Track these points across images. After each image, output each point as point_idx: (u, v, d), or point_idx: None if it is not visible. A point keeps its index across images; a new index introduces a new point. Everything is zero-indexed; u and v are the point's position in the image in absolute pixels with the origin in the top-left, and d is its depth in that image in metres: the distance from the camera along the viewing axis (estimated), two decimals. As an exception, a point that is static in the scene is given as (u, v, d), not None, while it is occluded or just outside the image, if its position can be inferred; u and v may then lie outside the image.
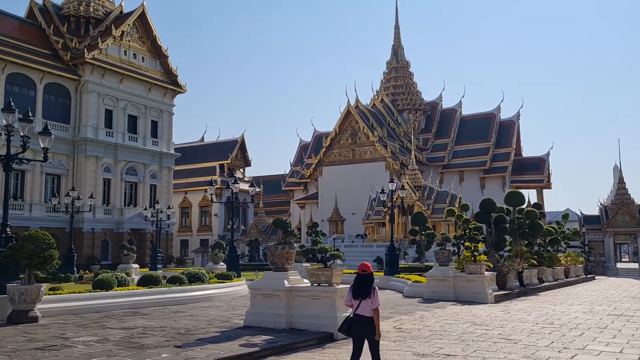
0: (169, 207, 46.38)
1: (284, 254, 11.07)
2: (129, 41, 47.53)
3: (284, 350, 8.98)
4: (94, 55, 43.64)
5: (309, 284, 10.88)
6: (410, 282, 20.39)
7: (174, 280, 16.93)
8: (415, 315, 13.22)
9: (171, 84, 50.39)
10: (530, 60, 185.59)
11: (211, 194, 23.91)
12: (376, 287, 6.57)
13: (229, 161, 61.91)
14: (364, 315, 6.34)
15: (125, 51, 47.18)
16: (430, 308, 15.20)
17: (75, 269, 28.02)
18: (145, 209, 39.42)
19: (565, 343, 9.56)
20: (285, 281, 10.88)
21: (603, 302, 17.85)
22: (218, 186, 58.68)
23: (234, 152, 62.62)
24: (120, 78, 45.95)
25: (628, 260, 78.05)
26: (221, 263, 27.40)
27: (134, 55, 48.04)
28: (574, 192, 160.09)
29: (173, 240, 52.78)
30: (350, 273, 27.96)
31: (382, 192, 25.68)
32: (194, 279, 17.68)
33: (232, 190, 22.00)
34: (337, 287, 10.49)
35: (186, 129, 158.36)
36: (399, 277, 22.81)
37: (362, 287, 6.42)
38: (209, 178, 42.83)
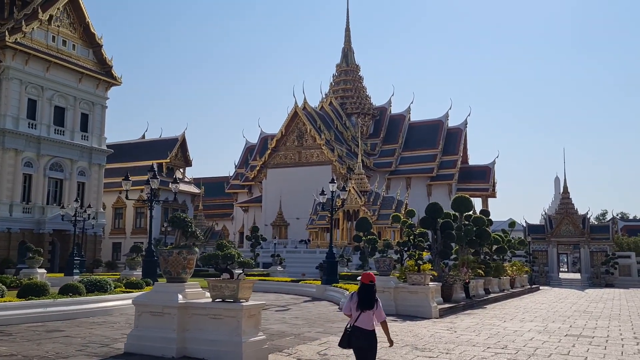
0: (103, 207, 43.09)
1: (180, 261, 8.74)
2: (58, 26, 43.79)
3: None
4: (16, 39, 39.81)
5: (210, 300, 8.57)
6: (347, 293, 18.32)
7: (67, 290, 14.22)
8: (347, 336, 11.09)
9: (105, 75, 46.84)
10: (478, 70, 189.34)
11: (148, 194, 21.17)
12: (379, 299, 6.29)
13: (168, 160, 58.62)
14: (363, 329, 6.07)
15: (53, 37, 43.41)
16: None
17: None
18: (63, 207, 35.82)
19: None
20: (180, 295, 8.54)
21: (556, 318, 16.32)
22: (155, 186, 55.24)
23: (173, 150, 59.35)
24: (46, 65, 42.16)
25: (567, 270, 79.35)
26: (139, 269, 24.59)
27: (64, 42, 44.31)
28: (517, 201, 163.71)
29: (102, 242, 49.02)
30: (286, 281, 25.78)
31: (322, 193, 23.61)
32: (95, 287, 15.02)
33: (151, 188, 19.44)
34: (245, 304, 8.24)
35: (127, 126, 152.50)
36: (337, 286, 20.74)
37: (369, 298, 6.14)
38: (145, 177, 39.71)
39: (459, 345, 10.29)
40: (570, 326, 14.01)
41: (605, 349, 10.32)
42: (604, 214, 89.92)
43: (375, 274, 20.41)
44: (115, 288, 15.80)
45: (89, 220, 35.29)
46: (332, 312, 16.10)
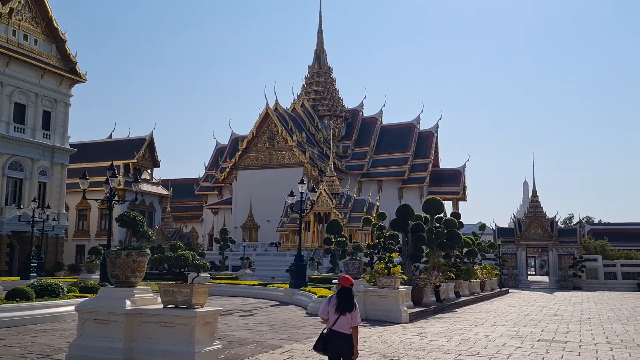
0: (66, 208, 41.52)
1: (129, 264, 8.02)
2: (19, 20, 42.12)
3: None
4: (-26, 32, 38.16)
5: (162, 306, 7.86)
6: (315, 296, 17.74)
7: (15, 295, 13.28)
8: (312, 344, 10.48)
9: (69, 71, 45.28)
10: (450, 74, 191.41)
11: (107, 193, 20.14)
12: (357, 304, 6.17)
13: (135, 160, 57.02)
14: (341, 332, 5.95)
15: (14, 31, 41.74)
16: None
17: None
18: (19, 207, 34.36)
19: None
20: (128, 301, 7.82)
21: (527, 322, 16.00)
22: (121, 187, 53.82)
23: (141, 151, 57.80)
24: (6, 60, 40.50)
25: (534, 273, 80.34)
26: (97, 272, 23.53)
27: (25, 36, 42.66)
28: (486, 205, 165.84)
29: (65, 245, 47.38)
30: (253, 284, 24.95)
31: (292, 194, 22.96)
32: (45, 292, 14.08)
33: (110, 187, 18.53)
34: (199, 310, 7.56)
35: (94, 125, 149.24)
36: (305, 290, 20.12)
37: (348, 301, 6.03)
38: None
39: (430, 353, 9.78)
40: (542, 330, 13.68)
41: (579, 355, 9.95)
42: (570, 218, 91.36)
43: (333, 278, 19.91)
44: (68, 292, 14.87)
45: (48, 221, 33.90)
46: (298, 317, 15.47)
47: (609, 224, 68.91)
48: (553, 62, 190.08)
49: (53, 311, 13.32)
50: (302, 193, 21.76)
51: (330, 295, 6.59)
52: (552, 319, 17.02)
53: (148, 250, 8.32)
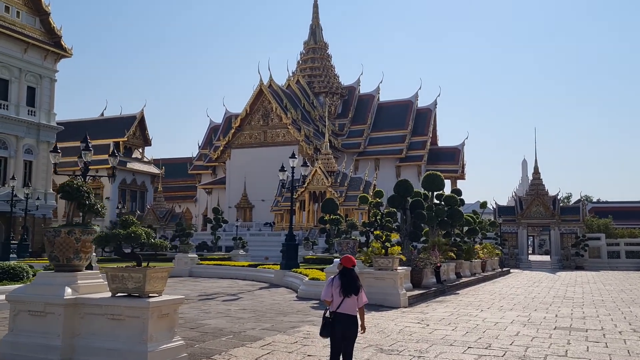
0: (55, 188, 40.08)
1: (71, 243, 6.62)
2: (0, -9, 40.23)
3: None
4: (-49, 3, 36.27)
5: (110, 295, 6.46)
6: (307, 279, 16.41)
7: (-30, 279, 11.90)
8: (299, 334, 9.13)
9: (53, 45, 43.46)
10: (449, 50, 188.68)
11: (82, 168, 18.62)
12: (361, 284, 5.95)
13: (126, 139, 55.54)
14: (349, 314, 5.75)
15: (-5, 3, 39.88)
16: (326, 317, 11.20)
17: None
18: (3, 186, 32.87)
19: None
20: (68, 289, 6.43)
21: (537, 305, 14.72)
22: (111, 166, 52.23)
23: (131, 129, 56.21)
24: (-14, 33, 38.74)
25: (533, 252, 79.37)
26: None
27: (7, 8, 40.79)
28: (485, 184, 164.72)
29: (52, 225, 45.99)
30: (243, 265, 23.58)
31: (282, 169, 21.51)
32: (7, 276, 12.73)
33: (84, 162, 17.04)
34: (153, 300, 6.17)
35: (87, 103, 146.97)
36: (296, 272, 18.79)
37: (352, 282, 5.82)
38: (101, 157, 36.83)
39: (434, 345, 8.45)
40: (556, 316, 12.38)
41: (606, 346, 8.63)
42: (568, 197, 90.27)
43: (335, 258, 18.60)
44: (33, 276, 13.48)
45: (32, 200, 32.45)
46: (287, 302, 14.14)
47: (610, 202, 67.69)
48: (554, 39, 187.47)
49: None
50: (293, 168, 20.32)
51: (332, 276, 6.17)
52: (563, 302, 15.73)
53: (96, 227, 6.92)
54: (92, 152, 16.95)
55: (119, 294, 6.36)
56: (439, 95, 68.61)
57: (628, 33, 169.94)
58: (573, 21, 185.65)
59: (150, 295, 6.27)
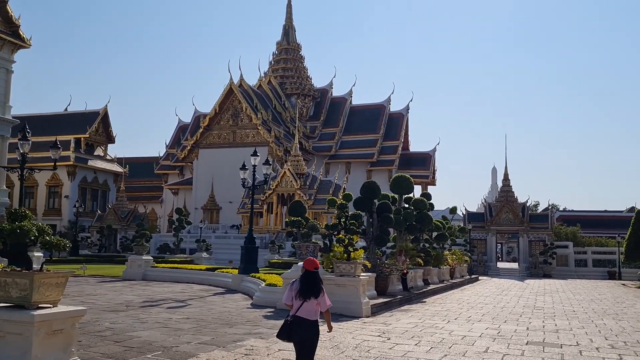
0: (9, 185, 37.96)
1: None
2: (-49, -25, 38.03)
3: None
4: None
5: (-10, 304, 5.20)
6: (263, 284, 15.24)
7: None
8: (239, 350, 7.95)
9: (11, 35, 41.26)
10: (422, 55, 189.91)
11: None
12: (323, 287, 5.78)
13: (87, 135, 53.49)
14: (306, 319, 5.55)
15: (-54, -13, 37.64)
16: (275, 330, 10.05)
17: None
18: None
19: None
20: (-63, 297, 5.13)
21: (506, 316, 13.84)
22: (71, 162, 50.30)
23: (94, 125, 54.16)
24: (-64, 19, 36.49)
25: (501, 259, 79.52)
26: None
27: (-40, -6, 38.59)
28: (456, 190, 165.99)
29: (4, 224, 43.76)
30: (201, 269, 22.15)
31: (243, 167, 20.32)
32: None
33: (22, 153, 15.57)
34: (41, 312, 4.94)
35: (50, 98, 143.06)
36: (255, 277, 17.60)
37: (313, 285, 5.64)
38: (63, 153, 35.06)
39: (393, 364, 7.39)
40: (527, 329, 11.48)
41: (584, 366, 7.71)
42: (536, 205, 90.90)
43: (294, 263, 17.50)
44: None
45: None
46: (238, 310, 12.94)
47: (578, 211, 68.17)
48: (525, 47, 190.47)
49: None
50: (254, 167, 19.15)
51: (293, 280, 6.04)
52: (534, 312, 14.91)
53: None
54: (30, 143, 15.52)
55: (1, 305, 5.11)
56: (411, 100, 67.93)
57: (595, 42, 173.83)
58: (541, 30, 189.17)
59: (40, 306, 5.05)
